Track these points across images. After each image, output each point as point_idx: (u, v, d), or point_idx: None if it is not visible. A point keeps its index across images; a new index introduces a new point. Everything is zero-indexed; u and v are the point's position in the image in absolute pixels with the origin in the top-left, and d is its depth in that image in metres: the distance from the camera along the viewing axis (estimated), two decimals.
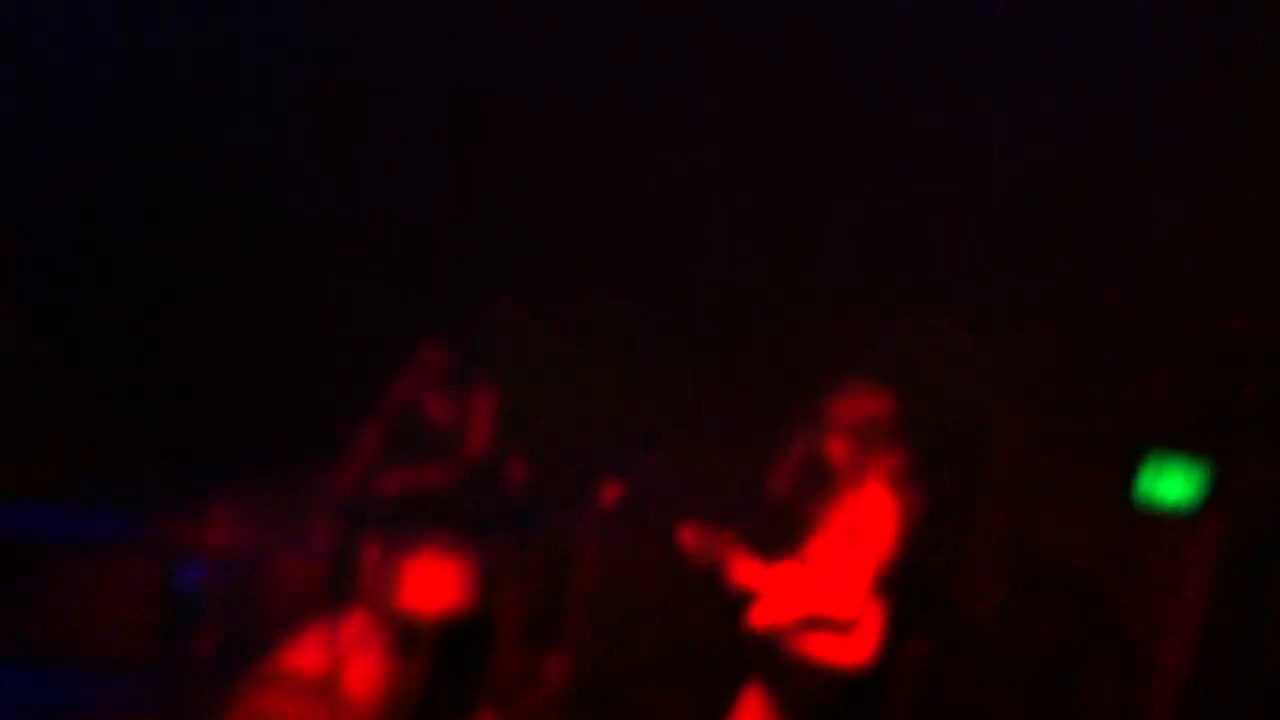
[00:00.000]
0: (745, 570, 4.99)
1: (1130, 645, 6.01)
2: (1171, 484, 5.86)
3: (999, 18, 6.36)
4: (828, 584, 4.86)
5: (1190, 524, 5.93)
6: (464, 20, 6.71)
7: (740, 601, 4.98)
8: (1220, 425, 5.84)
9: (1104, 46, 6.21)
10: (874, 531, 4.87)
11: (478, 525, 5.31)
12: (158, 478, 6.06)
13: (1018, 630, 6.02)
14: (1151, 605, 6.00)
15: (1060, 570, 6.08)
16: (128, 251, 6.66)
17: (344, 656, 4.66)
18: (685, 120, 6.63)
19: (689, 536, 5.00)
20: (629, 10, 6.68)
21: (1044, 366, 6.17)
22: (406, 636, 4.80)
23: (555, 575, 5.45)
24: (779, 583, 4.96)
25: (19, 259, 6.55)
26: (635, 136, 6.61)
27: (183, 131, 6.73)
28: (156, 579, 5.66)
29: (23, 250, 6.58)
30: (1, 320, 6.38)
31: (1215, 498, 5.80)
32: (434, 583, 4.97)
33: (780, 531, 5.05)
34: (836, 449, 5.00)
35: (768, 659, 4.98)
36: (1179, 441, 5.87)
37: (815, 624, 4.87)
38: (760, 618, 4.96)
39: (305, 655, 4.60)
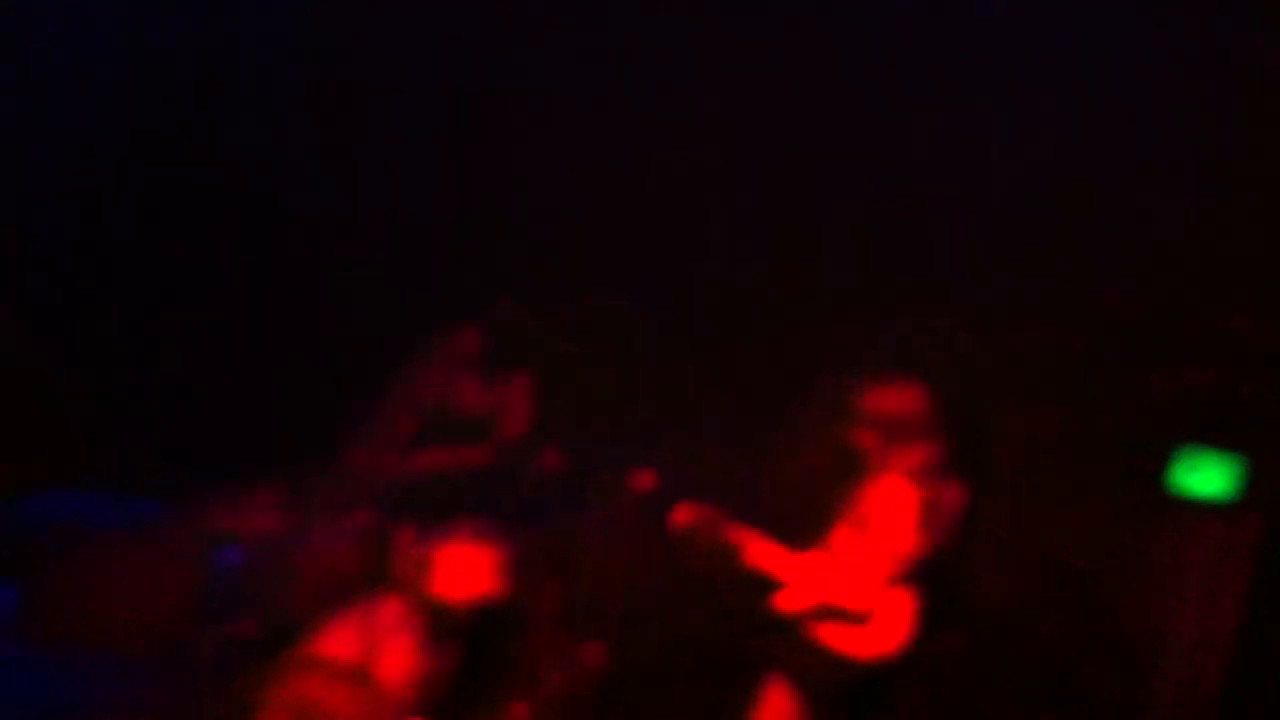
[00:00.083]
0: (762, 553, 4.97)
1: (1130, 645, 6.01)
2: (1207, 478, 5.84)
3: (999, 18, 6.36)
4: (845, 574, 4.85)
5: (1190, 524, 5.94)
6: (464, 20, 6.71)
7: (752, 588, 4.96)
8: (1243, 422, 5.84)
9: (1104, 46, 6.22)
10: (895, 524, 4.86)
11: (512, 512, 5.31)
12: (157, 478, 6.06)
13: (1018, 630, 6.02)
14: (1151, 605, 6.00)
15: (1060, 570, 6.08)
16: (128, 251, 6.66)
17: (379, 643, 4.68)
18: (685, 120, 6.63)
19: (684, 515, 4.98)
20: (629, 10, 6.68)
21: (1044, 366, 6.17)
22: (440, 623, 4.81)
23: (585, 565, 5.45)
24: (798, 569, 4.94)
25: (19, 259, 6.54)
26: (635, 137, 6.61)
27: (183, 131, 6.73)
28: (193, 564, 5.64)
29: (23, 250, 6.57)
30: (1, 320, 6.38)
31: (1250, 495, 5.79)
32: (468, 570, 4.97)
33: (795, 520, 5.04)
34: (864, 440, 4.99)
35: (786, 648, 4.97)
36: (1199, 437, 5.86)
37: (832, 613, 4.86)
38: (782, 603, 4.95)
39: (341, 641, 4.62)
